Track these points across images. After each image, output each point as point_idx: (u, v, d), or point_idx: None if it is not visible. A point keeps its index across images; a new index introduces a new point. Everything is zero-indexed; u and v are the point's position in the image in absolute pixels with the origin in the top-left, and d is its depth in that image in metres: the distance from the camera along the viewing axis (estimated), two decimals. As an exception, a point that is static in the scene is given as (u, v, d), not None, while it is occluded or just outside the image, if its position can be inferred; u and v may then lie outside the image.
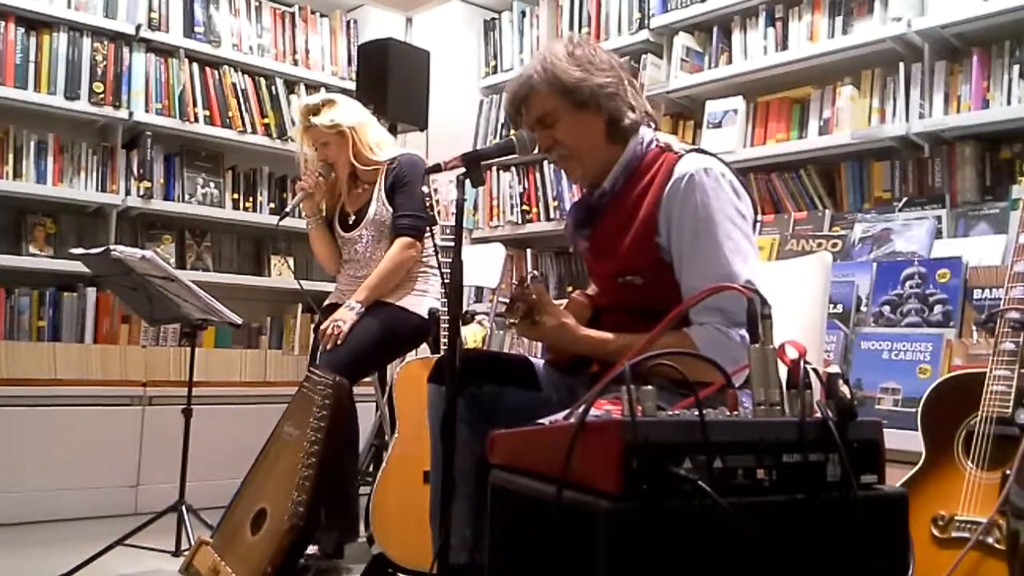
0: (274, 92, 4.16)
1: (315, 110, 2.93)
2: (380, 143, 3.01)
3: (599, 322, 1.84)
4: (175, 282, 2.67)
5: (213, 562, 2.24)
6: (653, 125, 1.85)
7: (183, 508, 2.75)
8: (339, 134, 2.93)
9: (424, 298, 2.91)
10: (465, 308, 3.62)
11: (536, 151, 1.89)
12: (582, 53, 1.78)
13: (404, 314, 2.87)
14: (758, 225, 1.88)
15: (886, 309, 2.56)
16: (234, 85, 4.03)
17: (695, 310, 1.64)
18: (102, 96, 3.65)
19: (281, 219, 3.09)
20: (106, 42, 3.69)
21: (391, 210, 2.92)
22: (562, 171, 1.97)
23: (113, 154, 3.75)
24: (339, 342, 2.73)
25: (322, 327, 2.81)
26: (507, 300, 1.78)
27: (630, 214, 1.75)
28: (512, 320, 1.75)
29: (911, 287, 2.52)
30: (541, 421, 1.39)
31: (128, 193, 3.76)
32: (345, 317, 2.78)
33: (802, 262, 2.11)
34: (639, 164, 1.78)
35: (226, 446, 3.33)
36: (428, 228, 2.85)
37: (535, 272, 3.86)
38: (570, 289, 2.03)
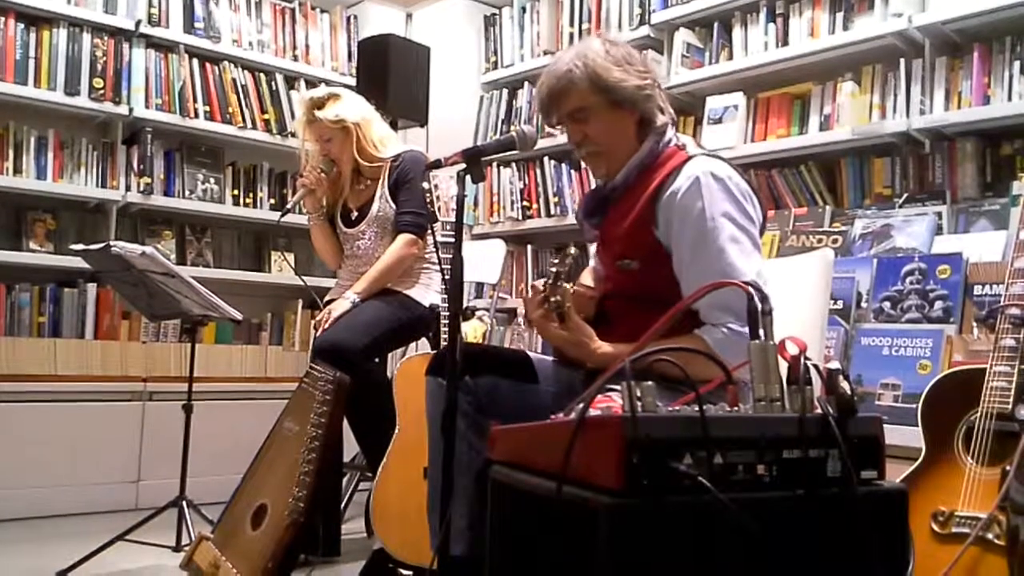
0: (274, 88, 4.15)
1: (319, 104, 2.92)
2: (384, 139, 3.00)
3: (603, 310, 1.85)
4: (175, 278, 2.66)
5: (214, 557, 2.24)
6: (675, 126, 1.87)
7: (184, 503, 2.76)
8: (343, 130, 2.92)
9: (428, 291, 2.92)
10: (465, 304, 3.62)
11: (536, 147, 1.89)
12: (618, 52, 1.80)
13: (410, 302, 2.88)
14: (765, 227, 1.88)
15: (886, 305, 2.56)
16: (234, 81, 4.02)
17: (707, 310, 1.65)
18: (102, 92, 3.64)
19: (283, 215, 3.08)
20: (106, 38, 3.69)
21: (394, 207, 2.92)
22: (587, 164, 1.98)
23: (113, 150, 3.75)
24: (326, 326, 2.74)
25: (317, 317, 2.83)
26: (549, 280, 1.71)
27: (633, 204, 1.77)
28: (556, 298, 1.68)
29: (911, 283, 2.52)
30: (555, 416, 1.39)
31: (128, 189, 3.75)
32: (340, 307, 2.79)
33: (803, 258, 2.11)
34: (653, 161, 1.80)
35: (226, 442, 3.34)
36: (430, 225, 2.85)
37: (573, 248, 3.79)
38: (570, 285, 2.03)
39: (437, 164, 1.81)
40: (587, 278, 2.01)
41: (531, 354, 1.93)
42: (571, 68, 1.78)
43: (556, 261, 1.73)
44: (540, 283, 1.74)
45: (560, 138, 3.35)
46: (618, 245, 1.81)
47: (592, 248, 2.01)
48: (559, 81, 1.80)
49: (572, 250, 1.73)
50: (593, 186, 2.02)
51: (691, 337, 1.65)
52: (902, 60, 2.87)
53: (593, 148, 1.83)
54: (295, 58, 4.23)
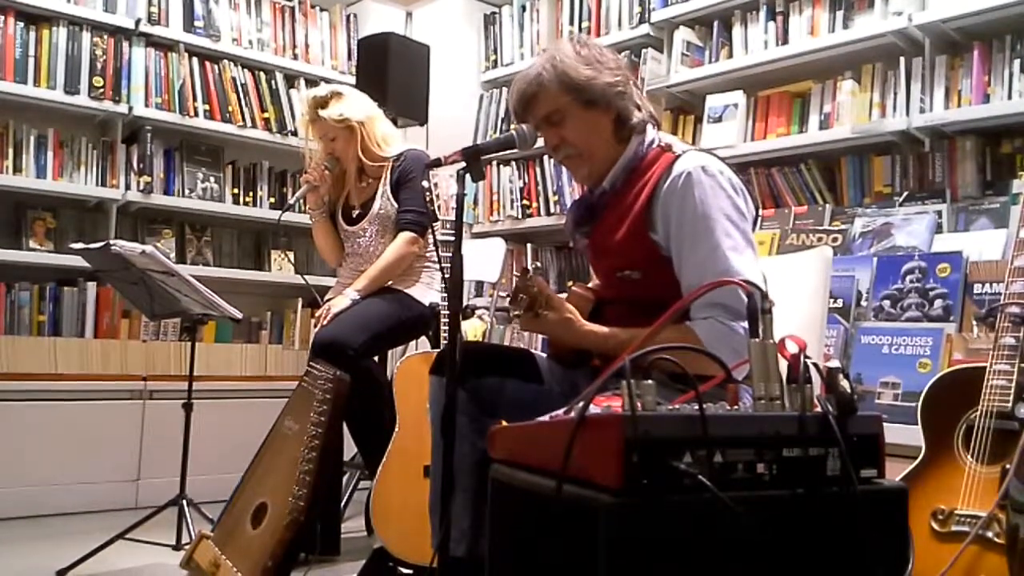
0: (274, 86, 4.15)
1: (323, 103, 2.91)
2: (387, 137, 3.00)
3: (602, 314, 1.84)
4: (175, 277, 2.66)
5: (214, 556, 2.24)
6: (656, 125, 1.85)
7: (184, 502, 2.76)
8: (347, 128, 2.92)
9: (429, 290, 2.92)
10: (465, 303, 3.62)
11: (535, 146, 1.89)
12: (589, 52, 1.78)
13: (411, 300, 2.88)
14: (759, 222, 1.88)
15: (886, 303, 2.56)
16: (234, 79, 4.02)
17: (696, 306, 1.64)
18: (102, 90, 3.64)
19: (284, 211, 3.09)
20: (106, 36, 3.69)
21: (396, 205, 2.93)
22: (566, 169, 1.95)
23: (113, 148, 3.74)
24: (325, 322, 2.74)
25: (316, 313, 2.83)
26: (509, 293, 1.78)
27: (626, 211, 1.76)
28: (516, 312, 1.75)
29: (911, 281, 2.52)
30: (542, 418, 1.39)
31: (128, 188, 3.75)
32: (339, 304, 2.79)
33: (802, 257, 2.11)
34: (639, 163, 1.79)
35: (226, 440, 3.34)
36: (430, 223, 2.85)
37: (537, 264, 3.86)
38: (570, 284, 2.04)
39: (437, 163, 1.81)
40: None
41: (535, 353, 1.93)
42: (540, 72, 1.77)
43: (518, 276, 1.76)
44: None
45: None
46: (615, 256, 1.79)
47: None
48: (529, 86, 1.79)
49: (536, 265, 1.76)
50: (579, 194, 2.01)
51: (679, 328, 1.63)
52: (902, 58, 2.86)
53: (571, 151, 1.81)
54: (295, 57, 4.23)
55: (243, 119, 4.02)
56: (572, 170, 1.91)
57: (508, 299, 1.79)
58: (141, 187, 3.76)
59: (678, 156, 1.74)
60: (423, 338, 3.05)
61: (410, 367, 2.59)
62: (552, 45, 1.85)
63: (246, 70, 4.08)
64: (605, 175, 1.81)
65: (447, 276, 1.77)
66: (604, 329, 1.74)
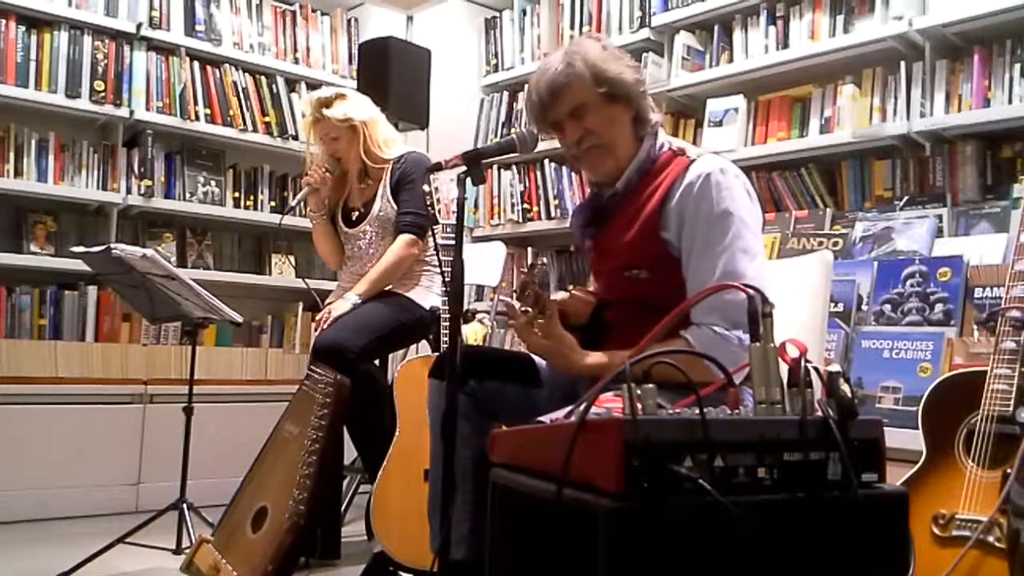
0: (275, 90, 4.16)
1: (327, 103, 2.93)
2: (388, 140, 3.01)
3: (604, 317, 1.84)
4: (176, 280, 2.67)
5: (214, 560, 2.24)
6: (663, 129, 1.87)
7: (184, 506, 2.75)
8: (351, 128, 2.93)
9: (429, 294, 2.92)
10: (466, 306, 3.62)
11: (536, 150, 1.89)
12: (612, 48, 1.82)
13: (411, 304, 2.88)
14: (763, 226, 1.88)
15: (887, 308, 2.56)
16: (235, 83, 4.03)
17: (697, 309, 1.64)
18: (103, 94, 3.65)
19: (285, 214, 3.09)
20: (107, 40, 3.69)
21: (395, 207, 2.93)
22: (584, 166, 1.92)
23: (114, 152, 3.75)
24: (326, 326, 2.74)
25: (317, 316, 2.83)
26: (515, 289, 1.77)
27: (637, 213, 1.76)
28: (523, 308, 1.73)
29: (912, 286, 2.52)
30: (541, 419, 1.40)
31: (129, 191, 3.76)
32: (340, 307, 2.79)
33: (803, 261, 2.11)
34: (652, 166, 1.80)
35: (227, 444, 3.34)
36: (430, 226, 2.86)
37: (542, 259, 3.85)
38: (571, 286, 2.04)
39: (438, 167, 1.81)
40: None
41: (536, 357, 1.92)
42: (571, 62, 1.76)
43: (525, 271, 1.75)
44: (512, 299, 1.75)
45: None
46: (624, 255, 1.79)
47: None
48: (560, 76, 1.77)
49: (542, 261, 1.74)
50: (582, 197, 2.01)
51: (676, 339, 1.63)
52: (902, 63, 2.87)
53: (596, 141, 1.80)
54: (296, 61, 4.23)
55: (244, 123, 4.03)
56: (593, 164, 1.85)
57: (515, 295, 1.78)
58: (142, 191, 3.77)
59: (693, 160, 1.76)
60: (424, 342, 3.05)
61: (410, 371, 2.59)
62: (573, 43, 1.85)
63: (247, 74, 4.08)
64: (622, 172, 1.81)
65: (447, 280, 1.77)
66: (604, 359, 1.71)
